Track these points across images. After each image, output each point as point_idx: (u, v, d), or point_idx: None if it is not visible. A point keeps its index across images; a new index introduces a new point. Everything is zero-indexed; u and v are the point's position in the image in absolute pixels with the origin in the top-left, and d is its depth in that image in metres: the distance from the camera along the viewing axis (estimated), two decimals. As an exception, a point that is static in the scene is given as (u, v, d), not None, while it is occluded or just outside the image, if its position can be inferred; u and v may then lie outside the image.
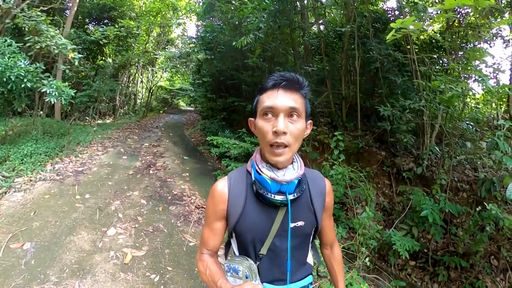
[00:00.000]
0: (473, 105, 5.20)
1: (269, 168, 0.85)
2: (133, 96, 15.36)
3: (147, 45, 12.55)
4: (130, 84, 14.59)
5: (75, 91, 5.85)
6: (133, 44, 10.85)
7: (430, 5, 4.43)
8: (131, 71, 13.60)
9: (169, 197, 4.13)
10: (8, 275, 2.24)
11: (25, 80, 4.59)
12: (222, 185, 0.91)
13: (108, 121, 11.06)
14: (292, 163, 0.88)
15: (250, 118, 0.92)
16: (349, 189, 3.47)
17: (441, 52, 5.17)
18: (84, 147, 6.08)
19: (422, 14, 4.26)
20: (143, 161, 5.82)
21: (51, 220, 3.11)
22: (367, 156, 4.99)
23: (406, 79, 4.66)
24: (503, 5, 4.16)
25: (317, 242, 1.11)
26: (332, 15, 7.61)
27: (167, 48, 13.59)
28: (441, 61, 5.47)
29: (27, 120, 6.35)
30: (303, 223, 0.88)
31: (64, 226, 3.03)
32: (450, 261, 3.05)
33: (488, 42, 4.87)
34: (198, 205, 3.96)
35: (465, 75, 4.50)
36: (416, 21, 1.56)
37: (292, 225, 0.86)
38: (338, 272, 1.06)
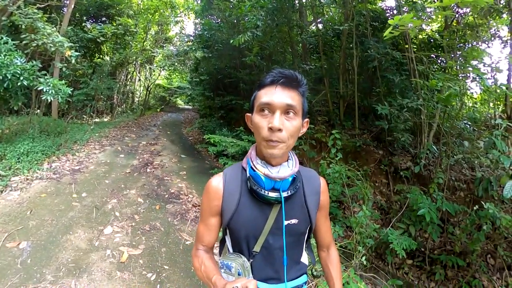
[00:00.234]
0: (470, 104, 5.21)
1: (264, 165, 0.84)
2: (130, 95, 15.29)
3: (145, 43, 12.50)
4: (128, 82, 14.52)
5: (72, 89, 5.82)
6: (130, 42, 10.79)
7: (429, 4, 4.43)
8: (129, 69, 13.53)
9: (166, 196, 4.12)
10: (4, 275, 2.23)
11: (21, 78, 4.55)
12: (217, 181, 0.91)
13: (105, 120, 11.01)
14: (287, 160, 0.88)
15: (247, 114, 0.91)
16: (346, 187, 3.47)
17: (439, 51, 5.17)
18: (81, 146, 6.05)
19: (420, 13, 4.25)
20: (141, 160, 5.80)
21: (47, 219, 3.10)
22: (365, 154, 5.00)
23: (404, 78, 4.66)
24: (501, 5, 4.16)
25: (313, 241, 1.09)
26: (331, 13, 7.59)
27: (165, 46, 13.52)
28: (439, 61, 5.47)
29: (24, 118, 6.30)
30: (297, 221, 0.88)
31: (61, 225, 3.02)
32: (447, 260, 3.06)
33: (486, 42, 4.88)
34: (195, 204, 3.95)
35: (463, 75, 4.51)
36: (414, 19, 1.54)
37: (286, 222, 0.86)
38: (335, 276, 1.02)
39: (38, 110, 7.00)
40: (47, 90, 4.82)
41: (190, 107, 18.13)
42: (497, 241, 2.97)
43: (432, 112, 4.32)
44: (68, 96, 5.33)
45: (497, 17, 4.51)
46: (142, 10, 11.78)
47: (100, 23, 8.98)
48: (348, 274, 2.20)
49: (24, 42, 5.23)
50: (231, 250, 0.93)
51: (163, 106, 17.07)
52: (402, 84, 4.65)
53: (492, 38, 4.96)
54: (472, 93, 4.61)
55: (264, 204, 0.86)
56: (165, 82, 18.39)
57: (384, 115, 4.15)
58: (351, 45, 5.43)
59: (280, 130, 0.77)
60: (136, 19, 10.91)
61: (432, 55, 5.18)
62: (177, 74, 16.53)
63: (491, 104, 4.49)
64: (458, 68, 4.01)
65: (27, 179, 4.03)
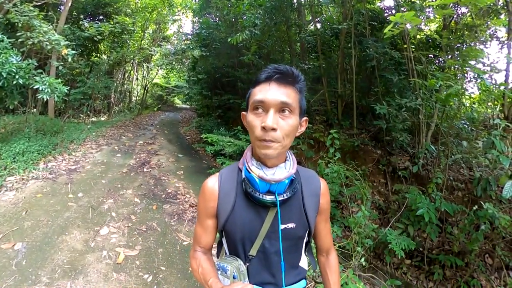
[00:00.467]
0: (468, 104, 5.23)
1: (259, 166, 0.81)
2: (128, 94, 15.22)
3: (142, 42, 12.43)
4: (125, 82, 14.45)
5: (69, 88, 5.76)
6: (128, 41, 10.73)
7: (429, 3, 4.43)
8: (126, 68, 13.47)
9: (163, 196, 4.09)
10: (-2, 276, 2.19)
11: (17, 76, 4.50)
12: (212, 182, 0.89)
13: (102, 119, 10.95)
14: (284, 161, 0.84)
15: (243, 112, 0.87)
16: (345, 187, 3.46)
17: (438, 51, 5.17)
18: (77, 145, 6.00)
19: (419, 13, 4.25)
20: (138, 159, 5.76)
21: (43, 219, 3.06)
22: (363, 154, 4.99)
23: (403, 77, 4.65)
24: (499, 6, 4.17)
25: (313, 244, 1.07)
26: (329, 13, 7.58)
27: (162, 45, 13.45)
28: (437, 61, 5.48)
29: (20, 117, 6.25)
30: (294, 225, 0.85)
31: (56, 225, 2.98)
32: (445, 260, 3.06)
33: (484, 43, 4.90)
34: (192, 204, 3.92)
35: (461, 75, 4.51)
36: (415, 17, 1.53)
37: (282, 226, 0.83)
38: (333, 283, 0.98)
39: (34, 109, 6.94)
40: (43, 89, 4.77)
41: (188, 106, 18.09)
42: (495, 241, 2.97)
43: (430, 112, 4.32)
44: (65, 95, 5.28)
45: (495, 18, 4.52)
46: (140, 9, 11.71)
47: (97, 22, 8.87)
48: (347, 275, 2.19)
49: (20, 40, 5.17)
50: (227, 253, 0.91)
51: (160, 105, 17.01)
52: (400, 84, 4.65)
53: (490, 39, 4.98)
54: (470, 93, 4.63)
55: (260, 207, 0.83)
56: (163, 81, 18.32)
57: (382, 115, 4.14)
58: (349, 45, 5.42)
59: (274, 129, 0.73)
60: (133, 18, 10.85)
61: (430, 55, 5.18)
62: (174, 73, 16.47)
63: (489, 104, 4.49)
64: (456, 68, 4.01)
65: (23, 179, 3.98)
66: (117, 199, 3.79)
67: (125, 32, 9.86)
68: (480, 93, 4.54)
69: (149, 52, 12.31)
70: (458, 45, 4.46)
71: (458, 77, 4.02)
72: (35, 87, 4.80)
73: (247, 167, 0.82)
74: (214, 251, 1.14)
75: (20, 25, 5.22)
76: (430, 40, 5.45)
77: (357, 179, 3.56)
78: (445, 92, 3.12)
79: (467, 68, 3.71)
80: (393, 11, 5.63)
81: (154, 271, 2.50)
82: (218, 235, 0.95)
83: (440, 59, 5.22)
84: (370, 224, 2.88)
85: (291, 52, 7.18)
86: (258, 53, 6.68)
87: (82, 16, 9.66)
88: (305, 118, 0.85)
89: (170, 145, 7.59)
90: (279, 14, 5.55)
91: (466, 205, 3.32)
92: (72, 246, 2.68)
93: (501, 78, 4.18)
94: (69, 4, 7.60)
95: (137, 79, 15.53)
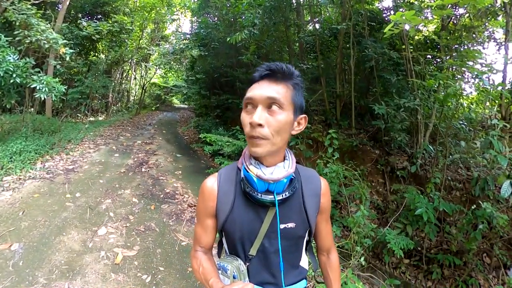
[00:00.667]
0: (466, 105, 5.26)
1: (257, 165, 0.80)
2: (126, 93, 15.16)
3: (140, 41, 12.38)
4: (123, 81, 14.39)
5: (67, 87, 5.75)
6: (126, 40, 10.67)
7: (426, 6, 4.44)
8: (124, 67, 13.41)
9: (161, 196, 4.07)
10: (-6, 277, 2.17)
11: (14, 75, 4.47)
12: (211, 182, 0.88)
13: (100, 118, 10.89)
14: (283, 160, 0.83)
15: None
16: (343, 187, 3.47)
17: (436, 52, 5.20)
18: (75, 145, 5.97)
19: (418, 14, 4.26)
20: (135, 159, 5.74)
21: (40, 219, 3.03)
22: (361, 154, 5.00)
23: (401, 78, 4.67)
24: (497, 8, 4.20)
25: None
26: (328, 13, 7.59)
27: (161, 44, 13.41)
28: (435, 61, 5.51)
29: (17, 117, 6.21)
30: (294, 224, 0.84)
31: (54, 225, 2.96)
32: (443, 259, 3.07)
33: (482, 44, 4.92)
34: (191, 204, 3.91)
35: (459, 76, 4.54)
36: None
37: (281, 226, 0.82)
38: (334, 280, 0.98)
39: (32, 109, 6.89)
40: (41, 88, 4.74)
41: (186, 106, 18.06)
42: (493, 240, 2.99)
43: (429, 112, 4.34)
44: (62, 94, 5.25)
45: (493, 19, 4.54)
46: (138, 8, 11.66)
47: (95, 21, 8.83)
48: (346, 274, 2.20)
49: (17, 38, 5.13)
50: (228, 253, 0.91)
51: (158, 105, 16.95)
52: (398, 84, 4.66)
53: (488, 40, 5.01)
54: (468, 94, 4.65)
55: (259, 206, 0.82)
56: (161, 81, 18.27)
57: (380, 115, 4.15)
58: (348, 45, 5.43)
59: (260, 125, 0.72)
60: (132, 17, 10.80)
61: (428, 56, 5.21)
62: (173, 72, 16.42)
63: (487, 104, 4.52)
64: (454, 68, 4.03)
65: (20, 178, 3.95)
66: (115, 199, 3.77)
67: (124, 31, 9.82)
68: (478, 94, 4.56)
69: (148, 52, 12.27)
70: (456, 46, 4.49)
71: (456, 78, 4.04)
72: (32, 86, 4.77)
73: (246, 166, 0.81)
74: (214, 251, 1.14)
75: (17, 23, 5.18)
76: (428, 41, 5.48)
77: (355, 179, 3.56)
78: (443, 93, 3.14)
79: (465, 69, 3.73)
80: (392, 12, 5.65)
81: (153, 272, 2.48)
82: (218, 235, 0.95)
83: (438, 60, 5.25)
84: (369, 224, 2.88)
85: (289, 52, 7.18)
86: (257, 53, 6.67)
87: (80, 15, 9.61)
88: (303, 115, 0.83)
89: (168, 145, 7.57)
90: (278, 14, 5.55)
91: (464, 204, 3.34)
92: (69, 247, 2.66)
93: (499, 79, 4.20)
94: (67, 3, 7.56)
95: (135, 78, 15.47)
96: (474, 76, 3.42)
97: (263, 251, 0.84)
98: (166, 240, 2.99)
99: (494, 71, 3.14)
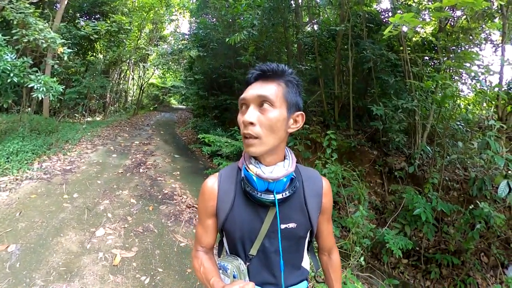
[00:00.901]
0: (463, 106, 5.30)
1: (256, 165, 0.80)
2: (124, 93, 15.10)
3: (139, 42, 12.35)
4: (121, 81, 14.33)
5: (64, 87, 5.70)
6: (124, 40, 10.64)
7: (424, 8, 4.48)
8: (122, 67, 13.36)
9: (160, 196, 4.06)
10: (-9, 279, 2.15)
11: (11, 74, 4.43)
12: (212, 182, 0.89)
13: (98, 119, 10.84)
14: (284, 160, 0.83)
15: None
16: (342, 188, 3.48)
17: (433, 53, 5.24)
18: (73, 145, 5.93)
19: (416, 16, 4.29)
20: (133, 160, 5.71)
21: (37, 220, 3.01)
22: (359, 155, 5.02)
23: (399, 79, 4.70)
24: (494, 10, 4.24)
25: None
26: (326, 15, 7.62)
27: (159, 45, 13.39)
28: (432, 63, 5.55)
29: (14, 116, 6.16)
30: (295, 225, 0.84)
31: (51, 227, 2.93)
32: (442, 259, 3.10)
33: (479, 46, 4.97)
34: (189, 205, 3.90)
35: (456, 77, 4.58)
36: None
37: (282, 226, 0.82)
38: (335, 280, 0.99)
39: (29, 108, 6.84)
40: (38, 88, 4.70)
41: (184, 106, 18.01)
42: (491, 240, 3.02)
43: (426, 113, 4.37)
44: (60, 94, 5.22)
45: (489, 21, 4.59)
46: (137, 8, 11.64)
47: (93, 20, 8.80)
48: (345, 275, 2.20)
49: (15, 37, 5.08)
50: (228, 252, 0.91)
51: (156, 106, 16.91)
52: (396, 85, 4.69)
53: (484, 42, 5.06)
54: (465, 95, 4.69)
55: (259, 206, 0.82)
56: (159, 81, 18.22)
57: (378, 116, 4.18)
58: (346, 46, 5.46)
59: (252, 123, 0.73)
60: (130, 17, 10.77)
61: (426, 57, 5.24)
62: (171, 73, 16.40)
63: (484, 105, 4.56)
64: (452, 70, 4.06)
65: (17, 179, 3.92)
66: (113, 200, 3.75)
67: (122, 31, 9.79)
68: (475, 95, 4.60)
69: (146, 52, 12.26)
70: (453, 47, 4.52)
71: (454, 79, 4.07)
72: (30, 86, 4.73)
73: (246, 166, 0.82)
74: (215, 251, 1.14)
75: (15, 22, 5.13)
76: (425, 43, 5.53)
77: (354, 179, 3.58)
78: (440, 94, 3.16)
79: (462, 71, 3.76)
80: (390, 14, 5.69)
81: (151, 273, 2.47)
82: (219, 234, 0.95)
83: (436, 61, 5.29)
84: (368, 224, 2.89)
85: (288, 53, 7.20)
86: (255, 54, 6.68)
87: (78, 14, 9.57)
88: (300, 112, 0.82)
89: (166, 145, 7.54)
90: (277, 15, 5.57)
91: (461, 204, 3.37)
92: (67, 248, 2.64)
93: (495, 80, 4.25)
94: (65, 2, 7.52)
95: (133, 78, 15.42)
96: (471, 78, 3.45)
97: (264, 251, 0.84)
98: (164, 241, 2.98)
99: (491, 73, 3.17)
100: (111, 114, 12.09)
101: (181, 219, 3.49)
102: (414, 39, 5.55)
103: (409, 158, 4.48)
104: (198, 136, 6.21)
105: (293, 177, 0.83)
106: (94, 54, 10.72)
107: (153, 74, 15.82)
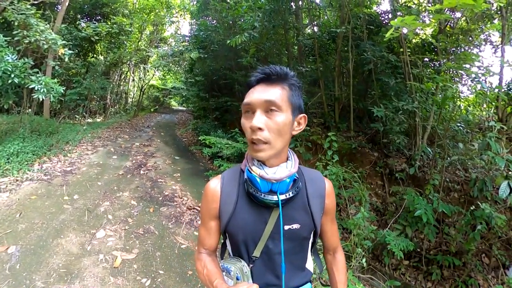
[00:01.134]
0: (463, 107, 5.31)
1: (259, 166, 0.81)
2: (124, 95, 15.12)
3: (139, 43, 12.38)
4: (122, 83, 14.35)
5: (65, 88, 5.71)
6: (125, 42, 10.67)
7: (423, 10, 4.50)
8: (123, 69, 13.38)
9: (160, 198, 4.05)
10: (-9, 280, 2.14)
11: (12, 75, 4.44)
12: (214, 184, 0.89)
13: (98, 120, 10.85)
14: (286, 161, 0.84)
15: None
16: (343, 189, 3.48)
17: (433, 55, 5.25)
18: (73, 146, 5.92)
19: (416, 18, 4.31)
20: (134, 161, 5.71)
21: (37, 222, 3.00)
22: (360, 157, 5.02)
23: (399, 81, 4.71)
24: (493, 11, 4.25)
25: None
26: (326, 17, 7.65)
27: (160, 46, 13.42)
28: (433, 64, 5.56)
29: (14, 117, 6.17)
30: (299, 226, 0.84)
31: (51, 228, 2.93)
32: (443, 260, 3.09)
33: (478, 47, 4.98)
34: (190, 206, 3.89)
35: (457, 79, 4.59)
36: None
37: (286, 227, 0.82)
38: (339, 281, 0.97)
39: (29, 109, 6.84)
40: (39, 89, 4.71)
41: (184, 108, 18.01)
42: (492, 241, 3.01)
43: (427, 115, 4.38)
44: (61, 95, 5.22)
45: (489, 22, 4.60)
46: (138, 10, 11.68)
47: (94, 22, 8.82)
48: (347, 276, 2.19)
49: (16, 38, 5.10)
50: (231, 254, 0.91)
51: (157, 107, 16.92)
52: (397, 87, 4.70)
53: (484, 43, 5.07)
54: (465, 96, 4.70)
55: (262, 207, 0.83)
56: (159, 83, 18.25)
57: (379, 118, 4.18)
58: (346, 48, 5.47)
59: (260, 129, 0.73)
60: (131, 19, 10.80)
61: (426, 59, 5.26)
62: (171, 74, 16.42)
63: (484, 106, 4.57)
64: (452, 71, 4.07)
65: (17, 180, 3.91)
66: (113, 201, 3.74)
67: (122, 33, 9.81)
68: (475, 96, 4.61)
69: (146, 54, 12.28)
70: (453, 49, 4.54)
71: (454, 80, 4.08)
72: (30, 87, 4.74)
73: (249, 168, 0.82)
74: (218, 253, 1.14)
75: (16, 23, 5.15)
76: (426, 44, 5.54)
77: (355, 181, 3.57)
78: (441, 95, 3.17)
79: (462, 72, 3.77)
80: (390, 16, 5.71)
81: (152, 275, 2.46)
82: (222, 236, 0.95)
83: (436, 63, 5.30)
84: (369, 225, 2.89)
85: (289, 55, 7.21)
86: (256, 55, 6.70)
87: (79, 16, 9.61)
88: (302, 115, 0.83)
89: (166, 147, 7.54)
90: (278, 17, 5.58)
91: (462, 206, 3.36)
92: (67, 250, 2.63)
93: (495, 82, 4.26)
94: (66, 4, 7.55)
95: (133, 80, 15.44)
96: (471, 79, 3.46)
97: (267, 253, 0.84)
98: (165, 243, 2.97)
99: (491, 74, 3.18)
100: (112, 115, 12.09)
101: (182, 221, 3.48)
102: (414, 40, 5.56)
103: (409, 160, 4.47)
104: (199, 138, 6.21)
105: (296, 178, 0.83)
106: (95, 55, 10.75)
107: (153, 76, 15.84)
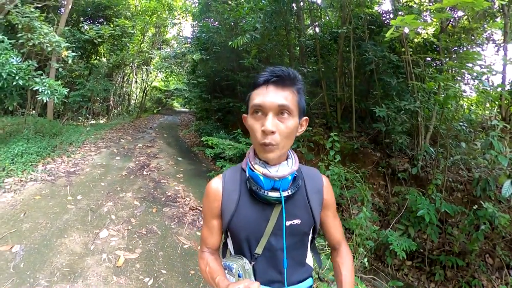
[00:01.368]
0: (466, 106, 5.28)
1: (262, 165, 0.83)
2: (127, 97, 15.22)
3: (142, 45, 12.46)
4: (124, 84, 14.44)
5: (68, 90, 5.76)
6: (128, 44, 10.73)
7: (425, 9, 4.48)
8: (126, 71, 13.48)
9: (163, 199, 4.07)
10: (-4, 279, 2.17)
11: (17, 77, 4.49)
12: (216, 183, 0.90)
13: (101, 122, 10.92)
14: (286, 159, 0.86)
15: (244, 114, 0.89)
16: (345, 189, 3.47)
17: (435, 54, 5.24)
18: (76, 148, 5.97)
19: (417, 17, 4.30)
20: (137, 162, 5.74)
21: (41, 221, 3.03)
22: (362, 157, 5.01)
23: (401, 80, 4.70)
24: (495, 10, 4.23)
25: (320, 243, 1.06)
26: (328, 17, 7.66)
27: (162, 48, 13.50)
28: (435, 64, 5.54)
29: (19, 119, 6.23)
30: (300, 221, 0.86)
31: (55, 228, 2.95)
32: (446, 261, 3.07)
33: (481, 46, 4.96)
34: (193, 207, 3.90)
35: (459, 78, 4.56)
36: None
37: (287, 223, 0.84)
38: (345, 276, 0.92)
39: (33, 111, 6.92)
40: (43, 91, 4.76)
41: (187, 109, 18.09)
42: (496, 241, 2.99)
43: (429, 114, 4.35)
44: (64, 97, 5.28)
45: (491, 21, 4.58)
46: (140, 12, 11.77)
47: (97, 24, 8.91)
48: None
49: (20, 41, 5.17)
50: (233, 253, 0.92)
51: (159, 109, 17.00)
52: (399, 87, 4.69)
53: (486, 42, 5.05)
54: (468, 95, 4.67)
55: (264, 205, 0.84)
56: (162, 85, 18.34)
57: (381, 118, 4.17)
58: (348, 49, 5.47)
59: (273, 132, 0.75)
60: (133, 21, 10.87)
61: (428, 58, 5.24)
62: (174, 76, 16.51)
63: (487, 105, 4.54)
64: (454, 70, 4.05)
65: (21, 180, 3.95)
66: (116, 202, 3.77)
67: (125, 35, 9.87)
68: (477, 95, 4.59)
69: (149, 55, 12.35)
70: (455, 48, 4.52)
71: (457, 79, 4.06)
72: (34, 89, 4.79)
73: (251, 166, 0.84)
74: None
75: (20, 26, 5.22)
76: (427, 44, 5.52)
77: (357, 181, 3.57)
78: (443, 95, 3.16)
79: (465, 71, 3.75)
80: (391, 15, 5.70)
81: (155, 275, 2.47)
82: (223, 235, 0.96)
83: (438, 62, 5.28)
84: (371, 225, 2.88)
85: (290, 56, 7.23)
86: (258, 57, 6.72)
87: (82, 18, 9.68)
88: (305, 118, 0.86)
89: (169, 148, 7.57)
90: (279, 18, 5.60)
91: (465, 205, 3.34)
92: (71, 249, 2.65)
93: (498, 80, 4.23)
94: (70, 7, 7.63)
95: (136, 82, 15.54)
96: (473, 78, 3.45)
97: (270, 249, 0.85)
98: (168, 243, 2.98)
99: (494, 73, 3.16)
100: (115, 117, 12.18)
101: (185, 221, 3.50)
102: (416, 40, 5.55)
103: (412, 160, 4.45)
104: (201, 139, 6.24)
105: (296, 175, 0.85)
106: (98, 57, 10.84)
107: (156, 77, 15.93)
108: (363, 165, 4.78)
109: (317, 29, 7.09)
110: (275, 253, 0.85)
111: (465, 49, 4.61)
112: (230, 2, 6.92)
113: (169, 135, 9.58)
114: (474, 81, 3.43)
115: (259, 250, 0.85)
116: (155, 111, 16.27)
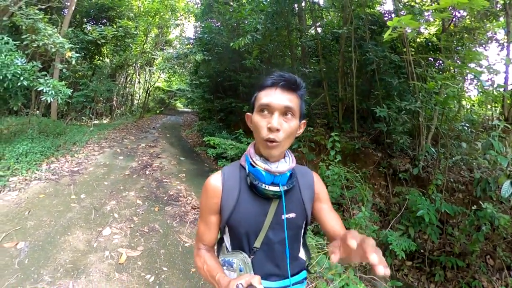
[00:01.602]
0: (468, 106, 5.26)
1: (263, 161, 0.87)
2: (130, 97, 15.31)
3: (145, 46, 12.54)
4: (127, 85, 14.54)
5: (72, 90, 5.82)
6: (130, 45, 10.83)
7: (427, 7, 4.47)
8: (129, 71, 13.56)
9: (165, 198, 4.11)
10: (1, 275, 2.21)
11: (21, 78, 4.56)
12: (215, 179, 0.92)
13: (104, 122, 11.01)
14: (284, 157, 0.91)
15: (248, 113, 0.95)
16: (345, 189, 3.48)
17: (437, 54, 5.23)
18: (80, 147, 6.03)
19: (418, 17, 4.30)
20: (140, 162, 5.79)
21: (45, 219, 3.08)
22: (363, 157, 5.01)
23: (402, 81, 4.69)
24: (498, 9, 4.22)
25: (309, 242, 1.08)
26: (329, 17, 7.66)
27: (165, 49, 13.58)
28: (436, 64, 5.53)
29: (23, 119, 6.30)
30: (295, 215, 0.90)
31: (59, 225, 3.00)
32: (446, 261, 3.07)
33: (483, 45, 4.94)
34: (194, 206, 3.93)
35: (460, 77, 4.55)
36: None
37: (286, 216, 0.88)
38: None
39: (38, 111, 7.00)
40: (47, 91, 4.82)
41: (189, 110, 18.16)
42: (496, 242, 2.98)
43: (430, 115, 4.35)
44: (68, 97, 5.33)
45: (494, 20, 4.56)
46: (143, 13, 11.84)
47: (100, 25, 8.99)
48: (348, 276, 2.20)
49: (24, 42, 5.24)
50: (230, 249, 0.93)
51: (162, 109, 17.09)
52: (400, 87, 4.69)
53: (489, 41, 5.02)
54: (469, 95, 4.66)
55: (263, 199, 0.88)
56: (165, 85, 18.44)
57: (382, 118, 4.18)
58: (349, 49, 5.48)
59: (278, 130, 0.81)
60: (136, 22, 10.96)
61: (429, 58, 5.23)
62: (176, 76, 16.59)
63: (488, 106, 4.52)
64: (455, 70, 4.05)
65: (26, 179, 4.01)
66: (119, 200, 3.81)
67: (128, 36, 9.96)
68: (479, 95, 4.57)
69: (152, 56, 12.43)
70: (457, 48, 4.51)
71: (458, 78, 4.05)
72: (39, 89, 4.86)
73: (252, 162, 0.88)
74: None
75: (25, 28, 5.29)
76: (429, 44, 5.51)
77: (357, 181, 3.58)
78: (444, 94, 3.16)
79: (466, 70, 3.75)
80: (393, 15, 5.70)
81: (156, 272, 2.50)
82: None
83: (439, 62, 5.27)
84: (371, 225, 2.89)
85: (292, 56, 7.24)
86: (259, 57, 6.75)
87: (85, 19, 9.77)
88: (303, 121, 0.93)
89: (172, 148, 7.62)
90: (281, 19, 5.62)
91: (466, 206, 3.33)
92: (74, 246, 2.69)
93: (501, 80, 4.21)
94: (73, 8, 7.71)
95: (139, 82, 15.64)
96: (475, 78, 3.44)
97: (268, 243, 0.88)
98: (169, 241, 3.01)
99: (495, 73, 3.15)
100: (118, 117, 12.26)
101: (186, 220, 3.53)
102: (418, 40, 5.54)
103: (413, 160, 4.45)
104: (204, 139, 6.27)
105: (292, 172, 0.90)
106: (101, 58, 10.92)
107: (159, 78, 16.03)
108: (365, 165, 4.78)
109: (318, 30, 7.10)
110: (272, 246, 0.88)
111: (467, 48, 4.60)
112: (232, 3, 6.96)
113: (171, 135, 9.63)
114: (476, 81, 3.42)
115: (257, 244, 0.87)
116: (158, 111, 16.36)
